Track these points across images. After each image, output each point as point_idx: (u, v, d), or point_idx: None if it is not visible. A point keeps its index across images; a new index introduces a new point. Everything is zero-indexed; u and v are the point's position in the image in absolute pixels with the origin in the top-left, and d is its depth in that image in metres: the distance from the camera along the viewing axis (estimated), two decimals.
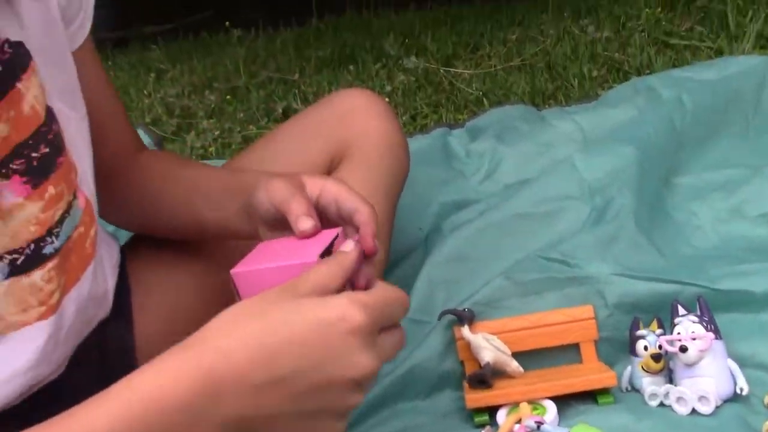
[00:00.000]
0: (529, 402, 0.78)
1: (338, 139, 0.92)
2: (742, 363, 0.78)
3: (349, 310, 0.49)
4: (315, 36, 2.29)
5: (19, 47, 0.65)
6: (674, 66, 1.63)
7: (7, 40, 0.63)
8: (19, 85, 0.64)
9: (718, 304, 0.82)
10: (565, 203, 1.00)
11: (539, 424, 0.73)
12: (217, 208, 0.77)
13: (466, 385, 0.83)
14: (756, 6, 1.84)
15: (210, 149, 1.63)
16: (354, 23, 2.37)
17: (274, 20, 2.53)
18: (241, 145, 1.61)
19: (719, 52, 1.68)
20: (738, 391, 0.76)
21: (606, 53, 1.76)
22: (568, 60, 1.76)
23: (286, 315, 0.50)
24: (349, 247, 0.56)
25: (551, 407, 0.78)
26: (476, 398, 0.81)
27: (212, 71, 2.06)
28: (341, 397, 0.50)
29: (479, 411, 0.81)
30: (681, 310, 0.80)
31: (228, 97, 1.86)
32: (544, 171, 1.11)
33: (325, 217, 0.65)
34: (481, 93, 1.66)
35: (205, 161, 1.51)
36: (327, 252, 0.57)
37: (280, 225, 0.65)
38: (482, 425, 0.80)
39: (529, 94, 1.64)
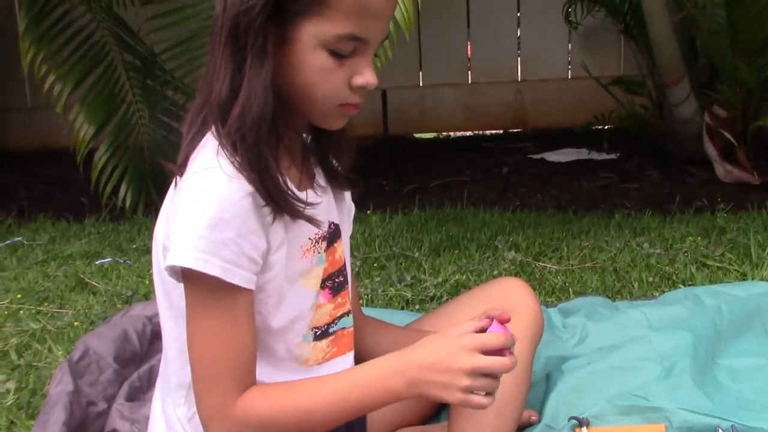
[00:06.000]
0: None
1: (501, 307, 1.41)
2: None
3: (463, 339, 1.03)
4: (421, 223, 2.89)
5: (337, 226, 1.24)
6: (710, 282, 2.19)
7: (333, 222, 1.22)
8: (335, 245, 1.23)
9: None
10: (644, 363, 1.53)
11: None
12: None
13: None
14: None
15: (360, 301, 2.17)
16: (452, 216, 2.97)
17: (382, 207, 3.15)
18: (386, 302, 2.16)
19: (744, 275, 2.24)
20: None
21: (658, 265, 2.33)
22: (629, 267, 2.33)
23: (439, 341, 1.05)
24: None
25: None
26: None
27: None
28: (456, 378, 1.01)
29: None
30: None
31: (372, 264, 2.44)
32: (628, 342, 1.64)
33: None
34: (565, 284, 2.22)
35: None
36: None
37: None
38: None
39: (600, 289, 2.20)
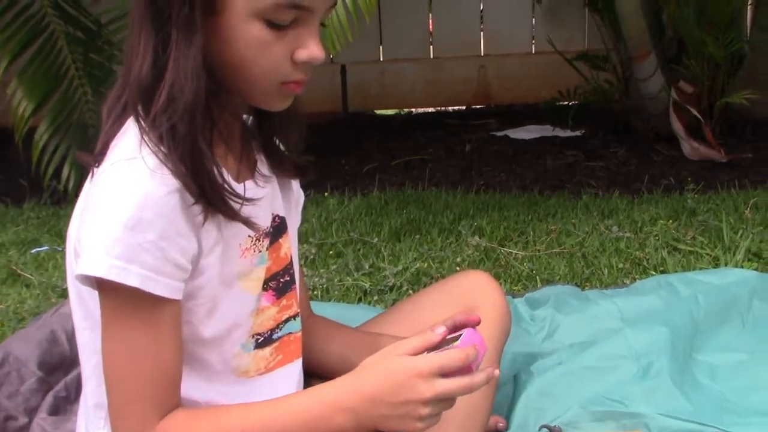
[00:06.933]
0: None
1: (467, 305, 1.26)
2: None
3: (418, 363, 0.90)
4: (381, 206, 2.75)
5: (283, 219, 1.10)
6: (683, 267, 2.09)
7: (278, 215, 1.08)
8: (280, 240, 1.09)
9: None
10: (620, 362, 1.42)
11: None
12: None
13: None
14: (745, 226, 2.34)
15: (315, 292, 2.04)
16: (413, 198, 2.84)
17: (341, 188, 3.01)
18: (342, 293, 2.02)
19: (716, 259, 2.15)
20: None
21: (628, 250, 2.22)
22: (598, 252, 2.23)
23: (387, 367, 0.91)
24: (438, 330, 0.96)
25: None
26: None
27: (303, 226, 2.50)
28: (415, 409, 0.89)
29: None
30: None
31: (329, 251, 2.30)
32: (602, 337, 1.53)
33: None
34: (531, 271, 2.11)
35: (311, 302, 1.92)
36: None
37: None
38: None
39: (568, 276, 2.09)
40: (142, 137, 0.89)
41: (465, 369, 0.90)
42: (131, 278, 0.85)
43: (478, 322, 0.99)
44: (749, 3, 3.48)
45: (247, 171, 1.04)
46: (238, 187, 0.97)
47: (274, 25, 0.89)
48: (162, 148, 0.88)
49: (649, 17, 3.38)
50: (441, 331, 0.95)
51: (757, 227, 2.31)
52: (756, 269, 2.00)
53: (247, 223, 0.95)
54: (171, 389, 0.92)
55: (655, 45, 3.38)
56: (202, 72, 0.88)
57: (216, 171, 0.93)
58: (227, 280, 0.99)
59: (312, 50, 0.91)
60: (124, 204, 0.86)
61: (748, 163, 3.15)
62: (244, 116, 1.07)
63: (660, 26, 3.52)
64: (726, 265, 2.07)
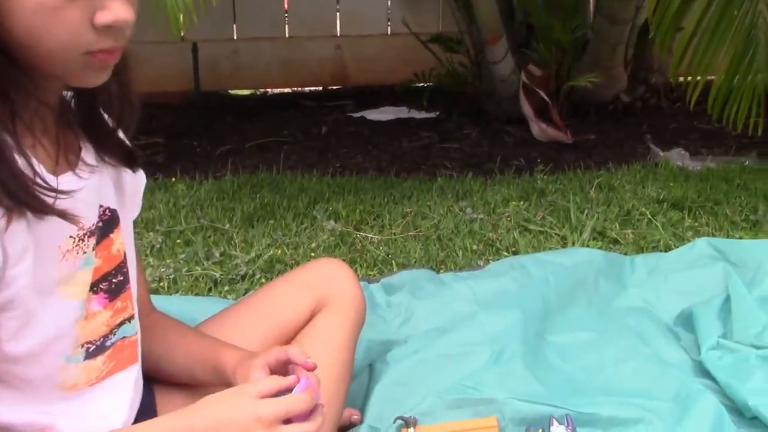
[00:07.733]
0: None
1: (321, 294, 1.26)
2: None
3: (262, 409, 0.85)
4: (233, 190, 2.64)
5: (114, 212, 1.00)
6: (533, 247, 2.14)
7: (108, 207, 0.98)
8: (111, 235, 0.99)
9: (578, 421, 1.24)
10: (474, 347, 1.42)
11: None
12: (211, 374, 1.10)
13: None
14: (590, 205, 2.43)
15: (161, 284, 1.92)
16: (267, 181, 2.75)
17: (191, 172, 2.87)
18: (191, 283, 1.91)
19: (564, 239, 2.21)
20: None
21: (481, 232, 2.25)
22: (452, 234, 2.24)
23: (234, 409, 0.86)
24: (291, 377, 0.91)
25: None
26: None
27: (149, 213, 2.36)
28: None
29: None
30: (555, 422, 1.21)
31: (176, 239, 2.17)
32: (457, 323, 1.52)
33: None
34: (387, 255, 2.08)
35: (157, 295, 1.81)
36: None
37: None
38: None
39: (424, 259, 2.08)
40: None
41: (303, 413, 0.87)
42: None
43: (314, 368, 0.94)
44: None
45: (67, 163, 0.92)
46: (53, 180, 0.85)
47: None
48: None
49: (501, 2, 3.44)
50: (293, 378, 0.90)
51: (600, 206, 2.40)
52: (601, 248, 2.07)
53: (65, 215, 0.84)
54: None
55: (506, 29, 3.44)
56: None
57: (26, 163, 0.81)
58: (44, 288, 0.87)
59: (115, 11, 0.79)
60: None
61: (592, 144, 3.29)
62: (65, 93, 0.95)
63: (511, 11, 3.59)
64: (573, 244, 2.13)
